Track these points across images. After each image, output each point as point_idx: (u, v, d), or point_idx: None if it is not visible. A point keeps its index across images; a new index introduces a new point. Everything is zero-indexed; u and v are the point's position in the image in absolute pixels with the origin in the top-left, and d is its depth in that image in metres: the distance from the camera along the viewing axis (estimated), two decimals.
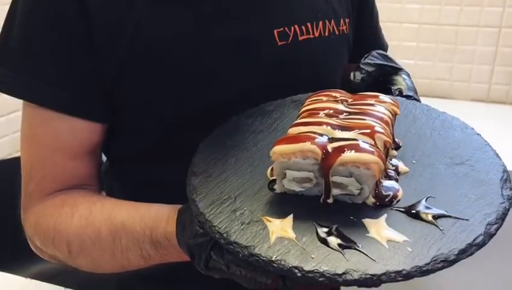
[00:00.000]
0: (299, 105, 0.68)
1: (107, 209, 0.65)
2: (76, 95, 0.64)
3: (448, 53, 1.99)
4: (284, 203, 0.50)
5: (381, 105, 0.55)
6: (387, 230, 0.46)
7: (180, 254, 0.56)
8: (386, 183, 0.51)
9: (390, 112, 0.55)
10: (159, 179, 0.71)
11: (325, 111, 0.54)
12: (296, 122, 0.53)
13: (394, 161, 0.55)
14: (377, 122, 0.51)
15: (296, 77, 0.72)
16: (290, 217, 0.48)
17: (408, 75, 0.72)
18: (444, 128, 0.61)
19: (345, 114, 0.53)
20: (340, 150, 0.47)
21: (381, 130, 0.50)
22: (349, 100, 0.57)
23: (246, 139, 0.61)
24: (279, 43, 0.69)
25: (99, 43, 0.62)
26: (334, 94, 0.58)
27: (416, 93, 0.70)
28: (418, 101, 0.68)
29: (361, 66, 0.68)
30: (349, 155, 0.47)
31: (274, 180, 0.52)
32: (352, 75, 0.68)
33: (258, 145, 0.60)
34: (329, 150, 0.48)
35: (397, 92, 0.68)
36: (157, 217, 0.60)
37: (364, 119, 0.52)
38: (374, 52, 0.71)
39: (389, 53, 0.78)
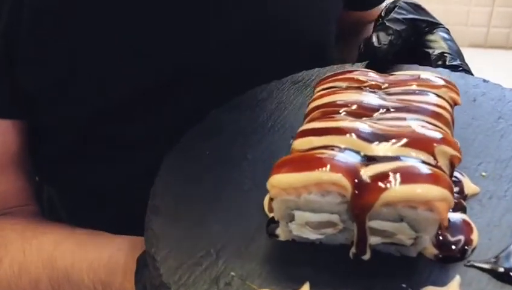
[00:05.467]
0: (302, 88, 0.49)
1: (46, 250, 0.48)
2: None
3: None
4: (294, 261, 0.32)
5: (432, 92, 0.36)
6: None
7: None
8: (451, 218, 0.32)
9: (447, 102, 0.35)
10: (100, 187, 0.55)
11: (348, 107, 0.35)
12: (303, 128, 0.34)
13: (456, 175, 0.36)
14: (434, 124, 0.32)
15: (275, 40, 0.53)
16: (305, 288, 0.30)
17: (447, 32, 0.52)
18: None
19: (380, 111, 0.34)
20: (381, 179, 0.29)
21: (443, 137, 0.31)
22: (383, 86, 0.37)
23: (231, 146, 0.43)
24: None
25: None
26: (357, 77, 0.38)
27: (463, 59, 0.50)
28: (469, 72, 0.49)
29: (387, 24, 0.48)
30: (398, 190, 0.28)
31: (275, 220, 0.33)
32: (375, 38, 0.48)
33: (249, 156, 0.41)
34: (364, 179, 0.29)
35: (438, 61, 0.49)
36: (110, 266, 0.43)
37: (413, 120, 0.33)
38: (401, 2, 0.51)
39: None
